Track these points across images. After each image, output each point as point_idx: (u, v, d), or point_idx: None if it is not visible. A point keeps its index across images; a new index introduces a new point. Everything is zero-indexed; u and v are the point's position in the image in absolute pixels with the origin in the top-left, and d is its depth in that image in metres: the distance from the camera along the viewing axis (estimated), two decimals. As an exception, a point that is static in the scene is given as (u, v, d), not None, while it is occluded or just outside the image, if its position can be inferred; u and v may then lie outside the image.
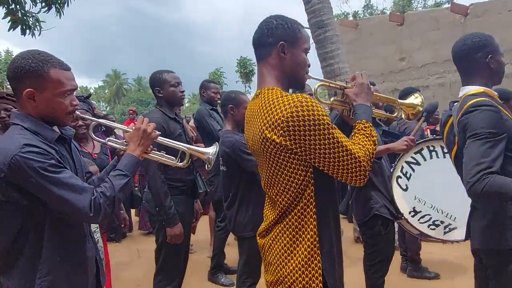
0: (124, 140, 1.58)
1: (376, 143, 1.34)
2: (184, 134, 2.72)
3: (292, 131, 1.19)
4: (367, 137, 1.33)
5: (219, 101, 3.89)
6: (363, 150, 1.26)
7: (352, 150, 1.22)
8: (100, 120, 1.66)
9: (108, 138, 1.64)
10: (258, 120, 1.28)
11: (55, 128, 1.44)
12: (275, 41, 1.33)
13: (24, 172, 1.23)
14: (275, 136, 1.21)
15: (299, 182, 1.26)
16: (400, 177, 2.56)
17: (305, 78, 1.43)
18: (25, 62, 1.31)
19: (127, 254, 4.67)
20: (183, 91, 2.71)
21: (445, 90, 7.35)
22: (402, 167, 2.59)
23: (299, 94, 1.24)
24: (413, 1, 21.45)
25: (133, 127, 1.54)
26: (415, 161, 2.63)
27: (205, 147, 2.10)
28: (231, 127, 2.74)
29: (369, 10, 24.01)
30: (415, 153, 2.64)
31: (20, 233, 1.32)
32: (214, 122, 3.70)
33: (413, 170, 2.61)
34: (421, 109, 1.75)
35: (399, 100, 1.77)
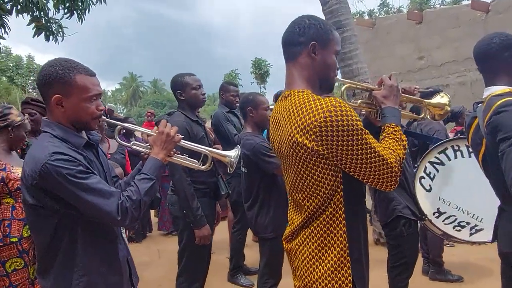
0: (148, 144, 1.62)
1: (406, 147, 1.32)
2: (207, 137, 2.75)
3: (325, 136, 1.17)
4: (397, 141, 1.31)
5: (238, 104, 3.89)
6: (394, 155, 1.24)
7: (384, 156, 1.21)
8: (125, 125, 1.71)
9: (132, 142, 1.67)
10: (288, 123, 1.26)
11: (83, 134, 1.48)
12: (306, 40, 1.30)
13: (54, 179, 1.28)
14: (306, 141, 1.19)
15: (329, 187, 1.24)
16: (424, 178, 2.51)
17: (335, 80, 1.42)
18: (53, 70, 1.37)
19: (148, 254, 4.74)
20: (204, 94, 2.75)
21: (466, 89, 7.19)
22: (425, 168, 2.54)
23: (332, 98, 1.22)
24: (431, -1, 21.05)
25: (157, 131, 1.57)
26: (439, 161, 2.58)
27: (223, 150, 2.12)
28: (251, 129, 2.76)
29: (385, 9, 23.71)
30: (439, 153, 2.58)
31: (56, 236, 1.37)
32: (230, 126, 3.70)
33: (437, 170, 2.56)
34: (449, 108, 1.72)
35: (426, 101, 1.74)
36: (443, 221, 2.46)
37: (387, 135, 1.33)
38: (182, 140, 1.62)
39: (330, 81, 1.38)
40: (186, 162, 1.67)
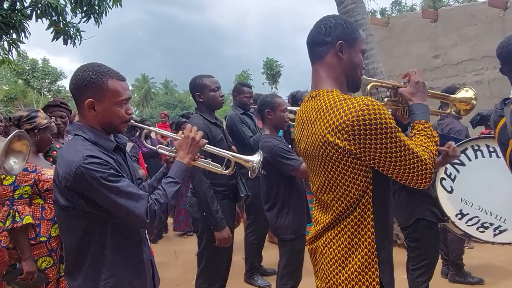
0: (173, 148, 1.64)
1: (438, 143, 1.30)
2: (225, 139, 2.76)
3: (357, 135, 1.16)
4: (428, 137, 1.29)
5: (252, 106, 3.90)
6: (427, 152, 1.22)
7: (418, 153, 1.19)
8: (152, 128, 1.73)
9: (158, 146, 1.70)
10: (318, 123, 1.24)
11: (111, 137, 1.51)
12: (333, 40, 1.29)
13: (87, 182, 1.31)
14: (338, 140, 1.18)
15: (359, 188, 1.23)
16: (444, 179, 2.48)
17: (361, 79, 1.40)
18: (86, 74, 1.40)
19: (164, 254, 4.79)
20: (222, 96, 2.76)
21: (484, 88, 7.05)
22: (446, 169, 2.51)
23: (363, 96, 1.21)
24: (444, -4, 20.70)
25: (182, 135, 1.60)
26: (459, 162, 2.54)
27: (237, 153, 2.12)
28: (270, 131, 2.77)
29: (397, 7, 23.45)
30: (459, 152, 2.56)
31: (85, 237, 1.40)
32: (245, 128, 3.67)
33: (458, 171, 2.52)
34: (475, 102, 1.68)
35: (452, 96, 1.71)
36: (466, 222, 2.43)
37: (418, 132, 1.31)
38: (206, 145, 1.64)
39: (357, 80, 1.37)
40: (210, 166, 1.68)
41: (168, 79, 61.71)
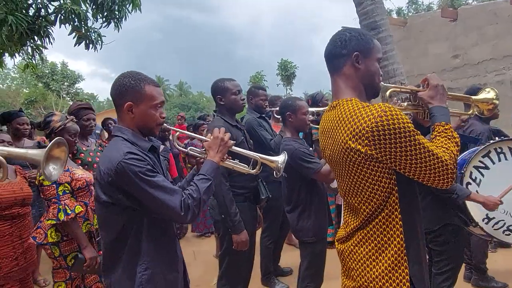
0: (203, 149, 1.75)
1: (459, 144, 1.33)
2: (246, 141, 2.78)
3: (377, 140, 1.21)
4: (449, 139, 1.32)
5: (267, 108, 3.89)
6: (447, 153, 1.26)
7: (438, 154, 1.23)
8: (182, 131, 1.86)
9: (189, 147, 1.81)
10: (340, 131, 1.30)
11: (147, 139, 1.62)
12: (349, 52, 1.37)
13: (127, 176, 1.42)
14: (359, 146, 1.24)
15: (384, 189, 1.27)
16: (470, 184, 2.44)
17: (379, 86, 1.46)
18: (126, 80, 1.56)
19: (184, 255, 4.82)
20: (244, 99, 2.78)
21: (505, 88, 6.90)
22: (471, 173, 2.48)
23: (381, 103, 1.26)
24: (463, -6, 20.23)
25: (211, 137, 1.72)
26: (483, 165, 2.51)
27: None
28: (290, 134, 2.78)
29: (414, 6, 23.08)
30: (483, 156, 2.51)
31: (123, 232, 1.50)
32: (264, 132, 3.66)
33: (483, 175, 2.49)
34: (497, 102, 1.69)
35: (473, 97, 1.72)
36: (492, 226, 2.40)
37: (438, 134, 1.35)
38: (233, 146, 1.74)
39: (375, 87, 1.43)
40: (237, 166, 1.80)
41: (182, 80, 62.33)
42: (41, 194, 2.42)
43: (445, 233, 2.45)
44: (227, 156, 1.75)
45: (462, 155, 2.56)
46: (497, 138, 2.71)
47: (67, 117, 2.61)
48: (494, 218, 2.41)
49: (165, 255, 1.57)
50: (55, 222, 2.31)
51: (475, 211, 2.37)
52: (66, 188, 2.37)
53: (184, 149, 1.83)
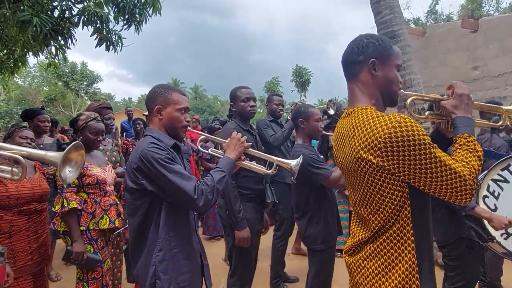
0: (223, 150, 1.92)
1: (482, 158, 1.26)
2: (256, 145, 2.84)
3: (390, 152, 1.17)
4: (471, 152, 1.25)
5: (281, 112, 4.17)
6: (467, 168, 1.19)
7: (456, 169, 1.17)
8: (210, 136, 2.02)
9: (210, 149, 1.96)
10: (353, 139, 1.27)
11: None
12: (365, 58, 1.33)
13: (149, 162, 1.63)
14: (371, 157, 1.20)
15: (395, 202, 1.23)
16: (487, 197, 2.39)
17: (398, 94, 1.40)
18: (157, 89, 1.85)
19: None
20: (253, 106, 2.85)
21: (526, 101, 6.74)
22: (489, 186, 2.42)
23: (396, 113, 1.21)
24: (484, 5, 19.87)
25: (229, 138, 1.93)
26: (503, 179, 2.45)
27: None
28: (302, 141, 2.79)
29: (433, 16, 22.78)
30: (502, 169, 2.46)
31: (146, 218, 1.70)
32: (268, 130, 3.91)
33: (502, 188, 2.43)
34: None
35: (504, 107, 1.61)
36: None
37: (459, 147, 1.28)
38: (250, 148, 1.89)
39: (393, 96, 1.38)
40: (254, 166, 1.92)
41: (198, 84, 63.01)
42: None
43: (460, 247, 2.39)
44: (244, 157, 1.89)
45: None
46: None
47: (92, 116, 2.70)
48: (512, 233, 2.34)
49: (179, 241, 1.71)
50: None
51: (493, 225, 2.31)
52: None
53: (206, 151, 1.96)
